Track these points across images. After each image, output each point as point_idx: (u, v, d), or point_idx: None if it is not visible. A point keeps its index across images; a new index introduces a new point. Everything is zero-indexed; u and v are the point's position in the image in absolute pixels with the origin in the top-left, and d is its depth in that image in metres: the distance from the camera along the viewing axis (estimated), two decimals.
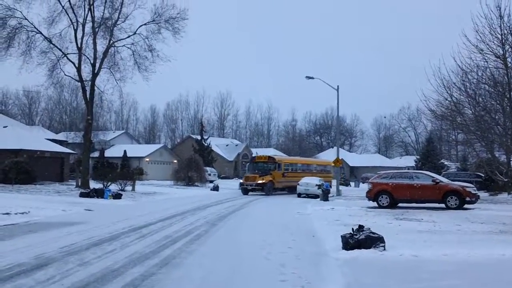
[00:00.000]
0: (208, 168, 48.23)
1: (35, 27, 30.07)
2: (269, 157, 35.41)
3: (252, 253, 8.78)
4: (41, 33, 30.34)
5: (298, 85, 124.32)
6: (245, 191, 32.41)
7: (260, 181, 31.89)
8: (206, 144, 55.89)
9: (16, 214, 14.63)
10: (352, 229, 9.22)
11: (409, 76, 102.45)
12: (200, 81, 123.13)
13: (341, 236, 9.05)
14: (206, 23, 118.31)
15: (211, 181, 44.47)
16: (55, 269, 7.02)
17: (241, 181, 34.31)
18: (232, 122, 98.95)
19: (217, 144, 65.04)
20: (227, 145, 70.20)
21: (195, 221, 14.17)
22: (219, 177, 53.25)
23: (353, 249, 8.54)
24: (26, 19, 29.52)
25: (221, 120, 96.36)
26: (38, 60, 30.66)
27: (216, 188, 36.49)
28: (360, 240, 8.64)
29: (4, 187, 27.50)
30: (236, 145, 71.58)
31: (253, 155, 40.52)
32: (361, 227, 9.16)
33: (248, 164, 37.74)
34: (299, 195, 30.40)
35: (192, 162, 42.57)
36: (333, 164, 36.29)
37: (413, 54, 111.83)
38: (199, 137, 57.28)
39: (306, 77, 33.13)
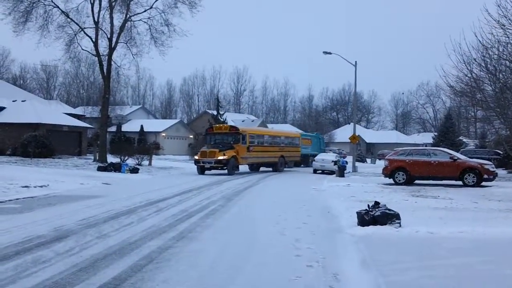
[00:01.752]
0: None
1: (52, 1, 30.14)
2: (231, 126, 28.79)
3: (267, 228, 8.81)
4: (58, 7, 30.40)
5: (315, 61, 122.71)
6: (201, 169, 25.40)
7: (221, 157, 24.68)
8: (222, 119, 55.84)
9: (35, 187, 14.92)
10: (368, 205, 9.18)
11: (429, 52, 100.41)
12: (217, 56, 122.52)
13: (357, 212, 9.01)
14: None
15: None
16: (74, 241, 7.16)
17: (196, 157, 26.04)
18: (249, 98, 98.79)
19: (233, 120, 64.97)
20: (243, 121, 70.14)
21: (211, 196, 14.27)
22: None
23: (368, 226, 8.50)
24: None
25: (237, 96, 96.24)
26: (55, 35, 30.86)
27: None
28: (375, 216, 8.60)
29: (24, 161, 28.03)
30: (252, 121, 71.51)
31: (210, 125, 32.56)
32: (376, 204, 9.11)
33: (204, 135, 29.90)
34: (315, 171, 30.34)
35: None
36: (299, 137, 35.16)
37: (433, 30, 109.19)
38: (215, 113, 57.22)
39: (324, 52, 32.63)
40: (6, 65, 75.96)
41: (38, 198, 12.81)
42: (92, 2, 30.90)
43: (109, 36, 31.57)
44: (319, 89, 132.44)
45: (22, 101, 39.17)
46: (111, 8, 31.24)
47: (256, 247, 7.20)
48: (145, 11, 31.97)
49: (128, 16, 31.66)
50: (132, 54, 32.53)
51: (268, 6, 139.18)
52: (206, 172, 25.57)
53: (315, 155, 34.86)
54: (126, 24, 31.90)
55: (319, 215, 10.77)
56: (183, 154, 46.13)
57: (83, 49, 32.50)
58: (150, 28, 32.35)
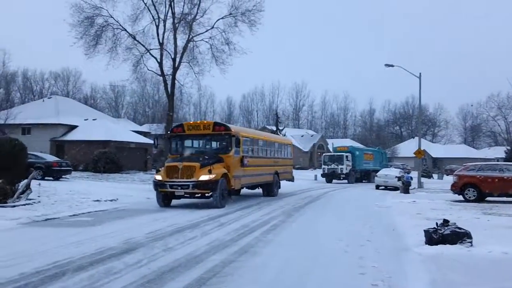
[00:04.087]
0: None
1: (120, 25, 31.78)
2: (217, 124, 16.50)
3: (330, 245, 8.68)
4: (126, 30, 32.01)
5: (376, 75, 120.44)
6: (165, 198, 15.03)
7: (204, 177, 14.25)
8: (281, 135, 55.99)
9: (105, 201, 15.69)
10: (436, 223, 8.80)
11: (498, 62, 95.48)
12: (275, 72, 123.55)
13: (424, 230, 8.66)
14: (283, 14, 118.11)
15: None
16: (142, 253, 7.43)
17: (157, 177, 15.03)
18: (307, 113, 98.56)
19: (292, 135, 64.93)
20: (302, 136, 69.97)
21: (271, 211, 14.29)
22: (294, 167, 53.11)
23: (437, 245, 8.14)
24: (112, 17, 31.26)
25: (296, 111, 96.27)
26: (123, 56, 32.40)
27: (291, 179, 36.46)
28: (445, 235, 8.22)
29: (94, 176, 29.54)
30: (312, 136, 71.14)
31: (180, 123, 18.04)
32: (446, 222, 8.72)
33: (169, 139, 17.48)
34: (377, 187, 29.55)
35: None
36: (291, 144, 25.59)
37: (502, 39, 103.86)
38: (274, 128, 57.54)
39: (386, 65, 31.99)
40: (78, 86, 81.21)
41: (109, 212, 13.44)
42: (157, 24, 32.32)
43: (173, 56, 32.78)
44: (381, 102, 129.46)
45: (93, 119, 41.44)
46: (174, 29, 32.49)
47: (318, 263, 7.11)
48: (206, 31, 32.94)
49: (190, 36, 32.76)
50: (194, 73, 33.48)
51: (325, 21, 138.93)
52: (174, 202, 15.46)
53: (377, 170, 34.01)
54: (189, 44, 33.00)
55: (384, 233, 10.46)
56: None
57: (148, 70, 33.91)
58: (211, 47, 33.25)
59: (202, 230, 10.10)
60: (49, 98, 52.86)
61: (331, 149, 54.63)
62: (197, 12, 32.44)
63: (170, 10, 32.29)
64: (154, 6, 31.92)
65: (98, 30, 31.31)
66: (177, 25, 32.42)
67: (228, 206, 15.05)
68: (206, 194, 14.56)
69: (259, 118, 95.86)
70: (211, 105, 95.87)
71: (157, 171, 15.59)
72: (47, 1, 73.68)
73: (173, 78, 32.87)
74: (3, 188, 13.17)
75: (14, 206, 12.88)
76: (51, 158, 26.90)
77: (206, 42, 33.34)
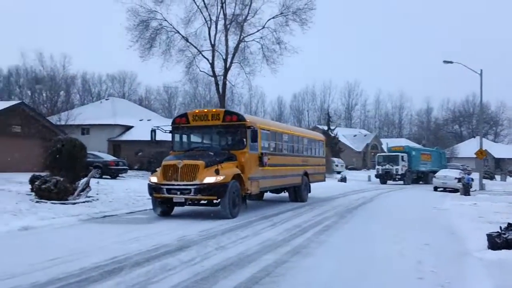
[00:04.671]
0: (335, 159, 47.78)
1: (173, 28, 32.56)
2: (229, 113, 13.50)
3: (385, 248, 8.42)
4: (179, 32, 32.74)
5: (433, 72, 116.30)
6: (162, 205, 12.32)
7: (210, 179, 11.48)
8: (333, 135, 55.26)
9: None
10: (500, 227, 8.33)
11: None
12: (327, 71, 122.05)
13: (487, 234, 8.21)
14: (334, 12, 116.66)
15: (338, 172, 43.97)
16: (195, 251, 7.54)
17: (153, 178, 12.16)
18: (360, 112, 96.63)
19: (344, 135, 64.02)
20: (355, 136, 68.74)
21: (323, 212, 14.10)
22: (347, 168, 52.39)
23: (500, 249, 7.70)
24: (165, 20, 32.11)
25: (349, 110, 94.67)
26: (176, 58, 33.17)
27: (343, 179, 35.97)
28: (509, 239, 7.76)
29: (145, 175, 30.36)
30: (365, 136, 69.74)
31: (184, 112, 14.64)
32: (510, 225, 8.23)
33: (171, 132, 13.92)
34: (436, 189, 28.48)
35: None
36: (324, 141, 21.69)
37: None
38: (325, 128, 56.87)
39: (444, 61, 30.80)
40: (133, 87, 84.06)
41: None
42: (209, 26, 32.86)
43: (224, 57, 33.22)
44: (439, 100, 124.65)
45: (147, 120, 42.71)
46: (226, 30, 32.89)
47: (373, 267, 6.91)
48: (257, 31, 33.12)
49: (241, 37, 33.06)
50: (245, 73, 33.73)
51: (377, 18, 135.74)
52: (175, 210, 12.79)
53: (435, 172, 32.82)
54: (240, 45, 33.31)
55: (443, 236, 10.02)
56: None
57: (201, 71, 34.52)
58: (262, 47, 33.39)
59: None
60: (106, 99, 55.12)
61: (385, 149, 53.34)
62: (248, 13, 32.71)
63: (221, 11, 32.77)
64: (206, 8, 32.49)
65: (153, 33, 32.23)
66: (228, 26, 32.81)
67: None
68: (214, 201, 11.56)
69: (310, 117, 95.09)
70: (262, 105, 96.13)
71: (153, 172, 12.39)
72: (104, 6, 77.31)
73: (224, 79, 33.29)
74: (64, 186, 13.81)
75: (74, 203, 13.46)
76: (108, 157, 27.97)
77: (257, 42, 33.54)
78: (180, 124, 13.52)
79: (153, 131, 13.69)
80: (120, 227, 10.28)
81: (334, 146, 53.05)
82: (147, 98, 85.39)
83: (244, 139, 12.79)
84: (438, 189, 28.27)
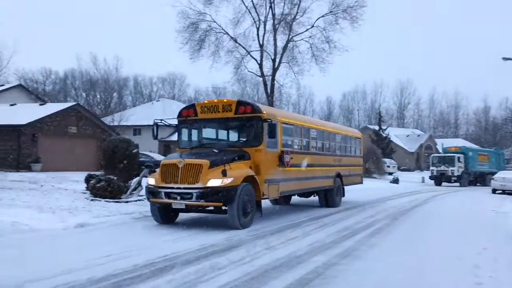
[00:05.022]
0: (387, 160, 46.68)
1: (222, 29, 32.94)
2: (242, 103, 11.24)
3: (440, 251, 8.09)
4: (227, 33, 33.09)
5: (491, 70, 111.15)
6: (163, 212, 10.63)
7: (216, 181, 9.57)
8: (384, 135, 54.03)
9: None
10: None
11: None
12: (378, 69, 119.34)
13: None
14: (385, 8, 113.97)
15: (390, 173, 42.95)
16: (244, 251, 7.54)
17: (151, 180, 10.46)
18: (413, 111, 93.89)
19: (396, 135, 62.46)
20: (407, 136, 66.89)
21: (375, 214, 13.76)
22: (399, 169, 51.06)
23: None
24: (214, 21, 32.54)
25: (401, 110, 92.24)
26: (225, 59, 33.53)
27: (395, 181, 35.05)
28: None
29: None
30: (418, 136, 67.71)
31: (191, 103, 12.35)
32: None
33: (176, 126, 12.24)
34: (494, 191, 27.15)
35: (370, 153, 41.64)
36: (361, 138, 19.09)
37: None
38: (376, 128, 55.68)
39: (503, 58, 29.27)
40: (183, 88, 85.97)
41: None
42: (257, 26, 32.98)
43: (272, 57, 33.25)
44: (498, 99, 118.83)
45: None
46: (274, 30, 32.90)
47: (429, 271, 6.63)
48: (306, 30, 32.90)
49: (290, 36, 32.97)
50: (294, 73, 33.61)
51: (430, 14, 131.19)
52: (179, 216, 11.26)
53: (493, 173, 31.32)
54: (289, 45, 33.23)
55: (502, 241, 9.50)
56: None
57: (249, 71, 34.69)
58: (311, 47, 33.16)
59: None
60: (157, 101, 56.62)
61: (440, 150, 51.48)
62: (297, 12, 32.58)
63: (270, 11, 32.84)
64: (255, 9, 32.64)
65: (202, 35, 32.76)
66: (277, 26, 32.81)
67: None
68: (223, 207, 9.80)
69: (360, 117, 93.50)
70: (310, 105, 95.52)
71: (151, 172, 11.00)
72: (155, 10, 79.38)
73: (273, 79, 33.31)
74: (118, 184, 14.25)
75: (127, 202, 13.86)
76: (159, 157, 28.69)
77: (306, 41, 33.32)
78: (187, 117, 11.64)
79: (156, 125, 11.92)
80: (170, 225, 10.48)
81: (385, 147, 51.84)
82: (196, 99, 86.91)
83: (260, 135, 10.80)
84: (497, 192, 26.95)
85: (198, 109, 11.48)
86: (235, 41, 33.17)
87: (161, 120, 12.17)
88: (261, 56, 33.24)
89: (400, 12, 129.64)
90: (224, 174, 9.49)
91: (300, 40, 33.49)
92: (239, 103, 11.07)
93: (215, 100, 11.60)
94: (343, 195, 16.30)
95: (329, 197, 15.22)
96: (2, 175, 20.05)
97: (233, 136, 11.94)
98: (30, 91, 36.27)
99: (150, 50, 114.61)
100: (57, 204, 12.14)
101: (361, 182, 18.78)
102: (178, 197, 9.73)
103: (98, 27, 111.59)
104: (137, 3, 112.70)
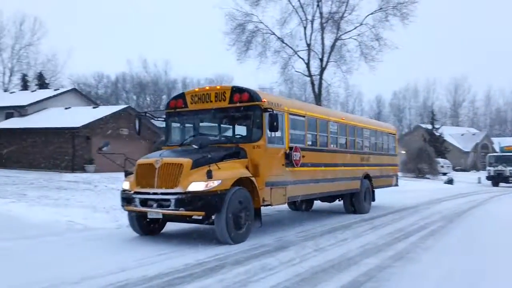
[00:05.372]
0: (440, 160, 45.11)
1: (269, 29, 33.03)
2: (236, 90, 9.26)
3: (500, 256, 7.67)
4: (274, 34, 33.14)
5: None
6: (140, 223, 8.91)
7: (197, 185, 7.73)
8: (437, 134, 52.22)
9: None
10: None
11: None
12: (430, 66, 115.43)
13: None
14: (437, 4, 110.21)
15: (444, 174, 41.50)
16: (294, 252, 7.47)
17: (125, 184, 8.69)
18: (468, 109, 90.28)
19: (450, 134, 60.25)
20: (462, 135, 64.36)
21: (429, 216, 13.29)
22: (454, 169, 49.20)
23: None
24: (261, 22, 32.68)
25: (455, 108, 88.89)
26: (272, 59, 33.60)
27: (450, 181, 33.80)
28: None
29: None
30: (473, 134, 65.02)
31: (181, 92, 10.34)
32: None
33: (165, 120, 10.35)
34: None
35: (423, 153, 40.41)
36: (393, 133, 17.12)
37: None
38: (429, 126, 53.91)
39: None
40: None
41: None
42: (304, 25, 32.83)
43: (320, 56, 32.96)
44: None
45: None
46: (322, 29, 32.62)
47: (488, 277, 6.30)
48: (355, 28, 32.43)
49: (338, 35, 32.60)
50: (342, 72, 33.22)
51: (485, 9, 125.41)
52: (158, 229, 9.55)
53: None
54: (337, 43, 32.85)
55: None
56: None
57: (296, 71, 34.60)
58: (360, 45, 32.65)
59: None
60: None
61: (497, 149, 49.14)
62: (345, 10, 32.20)
63: (317, 10, 32.63)
64: (302, 8, 32.52)
65: (249, 36, 32.97)
66: (324, 24, 32.53)
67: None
68: (205, 218, 8.10)
69: (411, 116, 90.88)
70: (359, 104, 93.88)
71: (127, 174, 8.97)
72: (203, 12, 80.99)
73: (320, 78, 33.05)
74: None
75: None
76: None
77: (355, 39, 32.85)
78: (176, 108, 9.90)
79: (138, 119, 10.05)
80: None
81: (439, 146, 50.10)
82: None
83: (259, 127, 8.95)
84: None
85: (188, 99, 9.76)
86: (282, 41, 33.17)
87: (145, 113, 10.86)
88: (309, 56, 33.07)
89: (453, 6, 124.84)
90: (209, 175, 7.63)
91: (349, 38, 33.09)
92: (234, 89, 9.26)
93: (207, 88, 9.79)
94: (373, 199, 14.41)
95: (356, 202, 13.31)
96: (58, 176, 20.96)
97: (229, 129, 10.25)
98: (84, 94, 37.82)
99: (197, 52, 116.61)
100: (110, 204, 12.51)
101: (395, 184, 16.75)
102: (155, 205, 7.92)
103: (147, 32, 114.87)
104: (185, 6, 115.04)
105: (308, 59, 33.07)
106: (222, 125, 10.07)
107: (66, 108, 30.15)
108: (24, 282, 5.56)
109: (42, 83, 48.36)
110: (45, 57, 59.46)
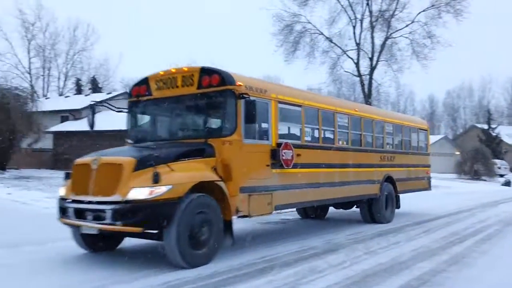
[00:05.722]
0: (497, 161, 43.18)
1: (317, 29, 32.84)
2: (206, 72, 7.51)
3: None
4: (323, 34, 32.94)
5: None
6: (85, 238, 7.03)
7: (135, 193, 5.99)
8: (494, 134, 49.98)
9: None
10: None
11: None
12: (486, 64, 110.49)
13: None
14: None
15: (501, 175, 39.71)
16: (344, 254, 7.41)
17: (61, 190, 6.95)
18: None
19: (508, 134, 57.41)
20: None
21: (485, 219, 12.78)
22: (511, 170, 46.93)
23: None
24: (309, 22, 32.55)
25: None
26: (320, 60, 33.41)
27: (507, 183, 32.28)
28: None
29: None
30: None
31: (144, 77, 8.28)
32: None
33: (129, 111, 8.62)
34: None
35: (478, 153, 38.85)
36: (425, 128, 14.74)
37: None
38: (485, 126, 51.70)
39: None
40: None
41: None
42: (353, 25, 32.42)
43: (370, 55, 32.44)
44: None
45: None
46: (372, 28, 32.09)
47: None
48: (406, 26, 31.72)
49: (389, 33, 31.94)
50: (393, 71, 32.55)
51: None
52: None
53: None
54: (387, 42, 32.21)
55: None
56: (449, 172, 43.12)
57: (345, 71, 34.21)
58: (411, 43, 31.89)
59: None
60: None
61: None
62: (396, 8, 31.56)
63: (367, 8, 32.14)
64: (351, 7, 32.16)
65: (297, 37, 32.94)
66: (374, 23, 32.01)
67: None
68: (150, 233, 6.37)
69: (466, 116, 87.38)
70: (411, 104, 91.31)
71: (67, 177, 7.08)
72: (250, 14, 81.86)
73: (370, 78, 32.53)
74: None
75: None
76: None
77: (406, 37, 32.13)
78: (139, 96, 8.20)
79: (91, 109, 8.48)
80: (267, 226, 10.64)
81: (495, 147, 47.98)
82: None
83: (232, 118, 7.16)
84: None
85: (152, 85, 8.06)
86: (331, 41, 32.92)
87: (97, 102, 8.82)
88: (358, 55, 32.65)
89: (510, 0, 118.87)
90: (155, 179, 6.00)
91: (400, 36, 32.39)
92: (203, 71, 7.50)
93: (173, 70, 7.97)
94: (397, 207, 12.32)
95: (375, 210, 11.29)
96: None
97: (198, 121, 8.20)
98: None
99: (245, 54, 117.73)
100: None
101: (427, 188, 14.46)
102: (90, 216, 6.27)
103: (194, 34, 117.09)
104: (231, 8, 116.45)
105: (358, 59, 32.66)
106: (190, 116, 8.22)
107: (117, 111, 31.18)
108: None
109: (96, 87, 50.44)
110: (97, 62, 61.98)
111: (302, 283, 5.67)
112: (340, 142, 10.16)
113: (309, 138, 9.12)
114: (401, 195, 12.51)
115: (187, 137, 7.72)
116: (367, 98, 32.68)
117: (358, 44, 32.41)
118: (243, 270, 6.27)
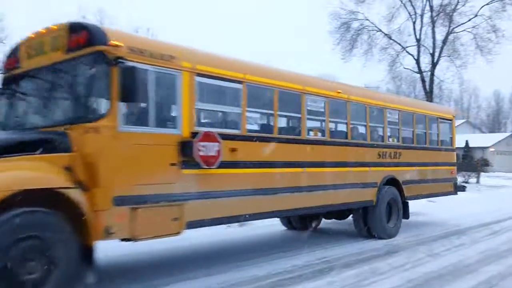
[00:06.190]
0: None
1: (375, 26, 32.08)
2: (74, 29, 5.22)
3: None
4: (381, 30, 32.13)
5: None
6: None
7: None
8: None
9: None
10: None
11: None
12: None
13: None
14: None
15: None
16: (405, 257, 7.28)
17: None
18: None
19: None
20: None
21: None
22: None
23: None
24: (367, 19, 31.84)
25: None
26: (378, 57, 32.59)
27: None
28: None
29: None
30: None
31: (12, 48, 6.05)
32: None
33: (3, 88, 6.15)
34: None
35: None
36: (450, 117, 12.07)
37: None
38: None
39: None
40: None
41: None
42: (413, 20, 31.42)
43: (431, 51, 31.35)
44: None
45: None
46: (433, 23, 31.00)
47: None
48: (469, 20, 30.31)
49: (450, 28, 30.71)
50: (456, 67, 31.27)
51: None
52: None
53: None
54: (449, 37, 30.99)
55: None
56: None
57: (405, 68, 33.23)
58: (475, 37, 30.46)
59: None
60: None
61: None
62: (458, 2, 30.23)
63: (427, 3, 31.08)
64: (411, 2, 31.23)
65: (354, 34, 32.34)
66: (435, 18, 30.89)
67: None
68: None
69: None
70: (475, 100, 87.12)
71: None
72: (306, 12, 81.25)
73: (432, 74, 31.45)
74: None
75: None
76: None
77: (469, 32, 30.67)
78: (9, 69, 6.16)
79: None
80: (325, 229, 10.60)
81: None
82: None
83: (103, 94, 5.13)
84: None
85: (22, 54, 5.98)
86: (390, 37, 32.09)
87: None
88: (418, 52, 31.62)
89: None
90: None
91: (462, 31, 30.96)
92: (72, 28, 5.35)
93: (43, 30, 5.74)
94: (406, 217, 9.74)
95: (371, 221, 8.89)
96: None
97: (60, 101, 5.65)
98: None
99: (300, 52, 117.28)
100: None
101: (451, 192, 11.91)
102: None
103: (249, 30, 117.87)
104: (286, 6, 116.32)
105: (418, 55, 31.63)
106: (54, 94, 5.68)
107: None
108: None
109: None
110: None
111: (364, 285, 5.63)
112: (312, 133, 7.90)
113: (254, 127, 7.06)
114: (416, 201, 10.36)
115: (49, 123, 5.30)
116: (429, 95, 31.58)
117: (418, 40, 31.39)
118: (305, 270, 6.32)
